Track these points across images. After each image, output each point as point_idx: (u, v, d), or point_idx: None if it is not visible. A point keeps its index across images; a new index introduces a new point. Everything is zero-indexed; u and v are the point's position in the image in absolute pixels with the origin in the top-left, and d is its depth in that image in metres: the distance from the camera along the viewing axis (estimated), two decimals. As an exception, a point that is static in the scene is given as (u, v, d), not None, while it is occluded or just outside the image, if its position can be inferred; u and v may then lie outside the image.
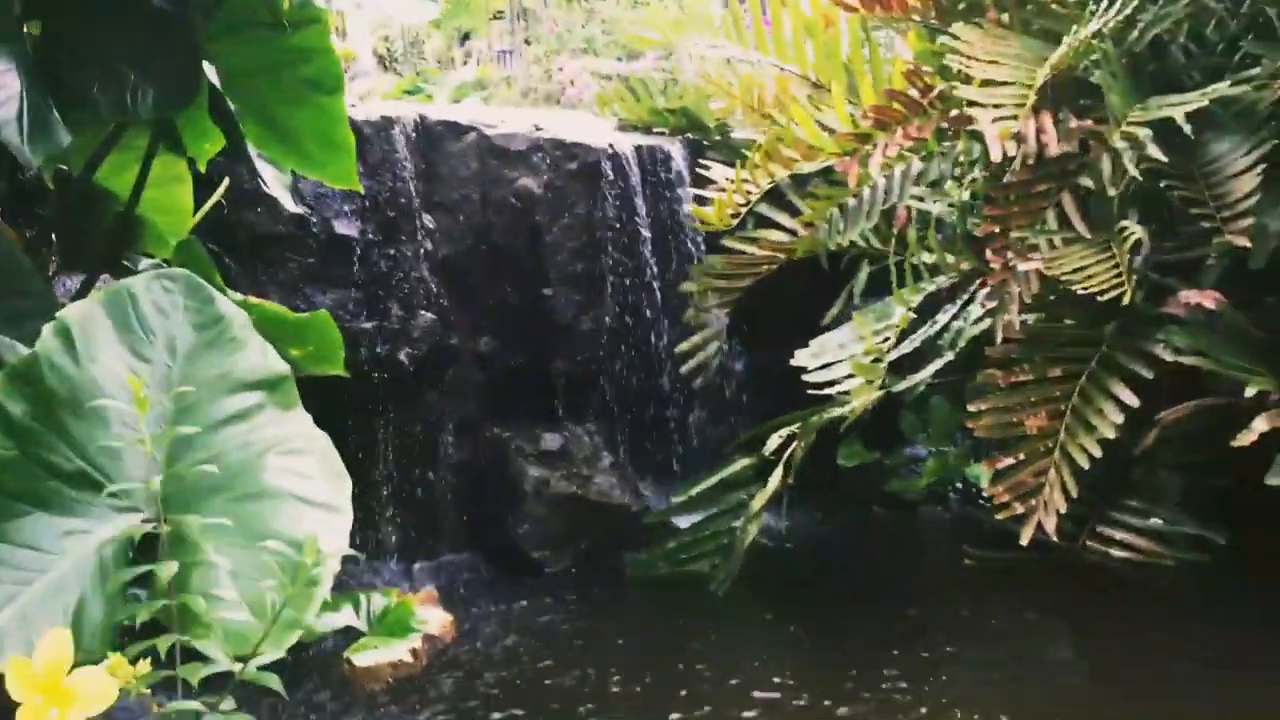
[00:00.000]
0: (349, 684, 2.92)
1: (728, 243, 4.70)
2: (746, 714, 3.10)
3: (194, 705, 1.46)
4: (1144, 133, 3.48)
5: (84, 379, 1.85)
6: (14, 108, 2.20)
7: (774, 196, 4.71)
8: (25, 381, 1.81)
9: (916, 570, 4.51)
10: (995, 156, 3.76)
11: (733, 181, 4.36)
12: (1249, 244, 3.50)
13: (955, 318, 4.48)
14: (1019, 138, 3.77)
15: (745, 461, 4.46)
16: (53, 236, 3.00)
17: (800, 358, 4.28)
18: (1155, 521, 4.04)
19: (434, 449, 4.66)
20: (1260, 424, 3.41)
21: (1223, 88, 3.60)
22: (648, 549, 4.49)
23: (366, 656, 2.96)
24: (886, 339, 4.11)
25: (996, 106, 3.76)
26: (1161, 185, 3.82)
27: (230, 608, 1.65)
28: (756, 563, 4.23)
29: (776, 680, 3.38)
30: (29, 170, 3.65)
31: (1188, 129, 3.49)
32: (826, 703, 3.16)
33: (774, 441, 4.30)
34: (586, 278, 4.88)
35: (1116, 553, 4.02)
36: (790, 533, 4.82)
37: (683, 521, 4.58)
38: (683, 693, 3.30)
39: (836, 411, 4.15)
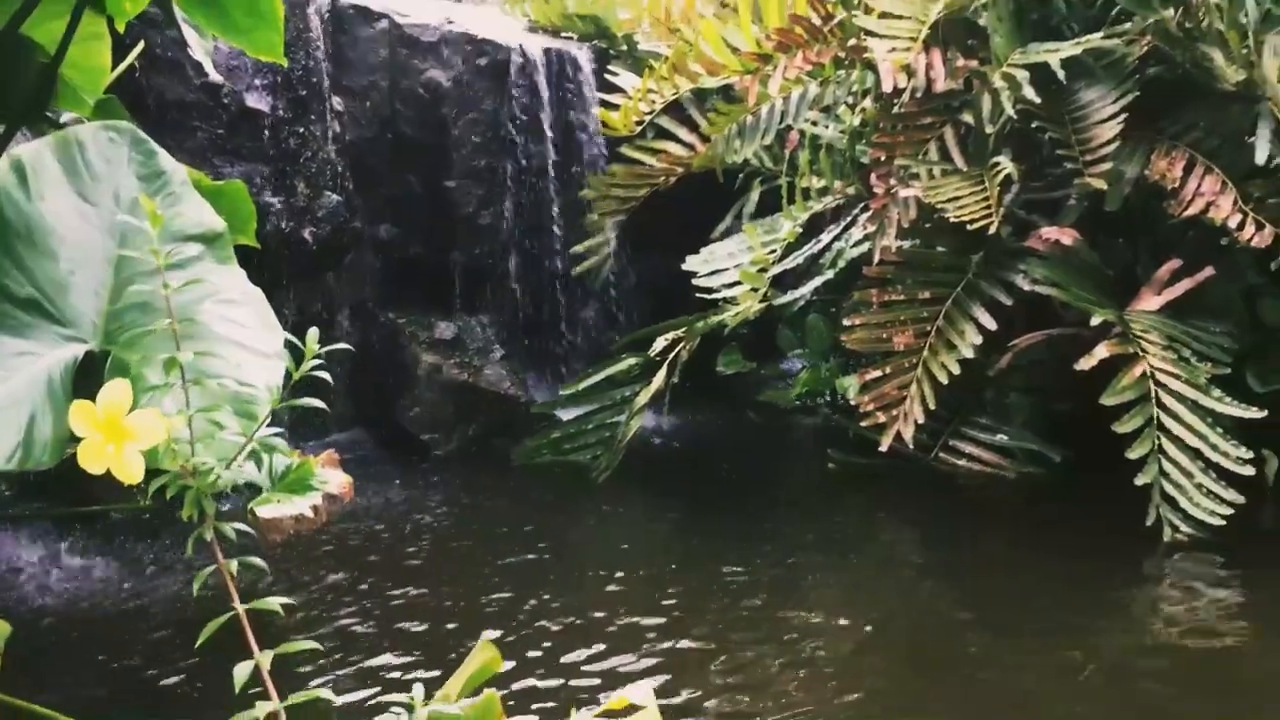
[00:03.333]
0: (252, 534, 3.08)
1: (628, 151, 4.88)
2: (608, 589, 3.32)
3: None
4: (1021, 75, 3.75)
5: (35, 214, 1.95)
6: (-45, -50, 2.23)
7: (675, 110, 4.89)
8: (-16, 211, 1.91)
9: (782, 471, 4.82)
10: (887, 87, 4.02)
11: (639, 90, 4.52)
12: (1105, 187, 3.81)
13: (837, 239, 4.75)
14: (909, 71, 4.02)
15: (631, 361, 4.69)
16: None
17: (691, 263, 4.51)
18: (1001, 438, 4.41)
19: (328, 330, 4.76)
20: (1101, 350, 3.76)
21: (1095, 39, 3.89)
22: (533, 438, 4.71)
23: (269, 510, 3.09)
24: (774, 251, 4.36)
25: (892, 38, 4.00)
26: (1033, 126, 4.11)
27: (176, 429, 1.79)
28: (635, 457, 4.47)
29: (641, 564, 3.62)
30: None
31: (1061, 75, 3.78)
32: (683, 584, 3.39)
33: (660, 343, 4.53)
34: (489, 173, 5.00)
35: (965, 464, 4.38)
36: (668, 432, 5.09)
37: (567, 414, 4.80)
38: (553, 563, 3.54)
39: (721, 317, 4.39)
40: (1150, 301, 4.00)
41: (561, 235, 5.23)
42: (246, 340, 2.02)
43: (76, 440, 1.73)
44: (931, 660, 2.87)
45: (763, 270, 4.27)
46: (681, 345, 4.50)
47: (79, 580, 3.27)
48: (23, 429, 1.74)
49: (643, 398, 4.43)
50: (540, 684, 2.64)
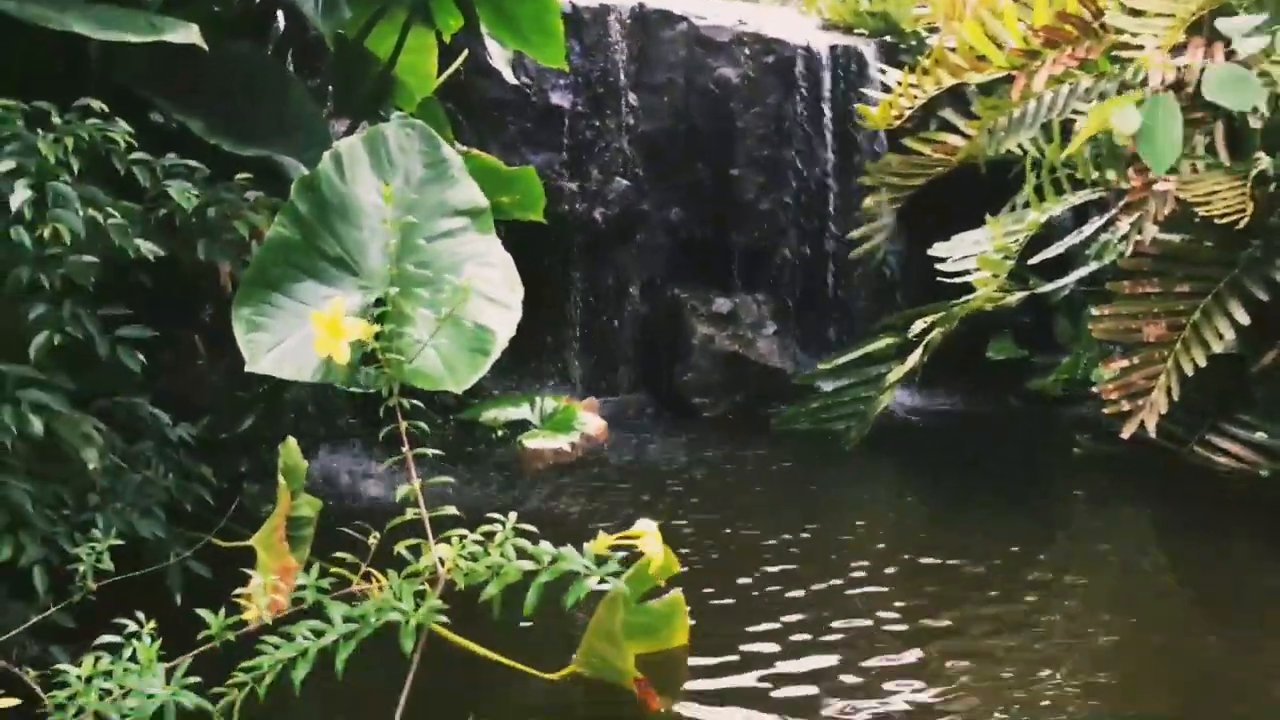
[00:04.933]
0: (519, 459, 3.72)
1: (907, 142, 5.13)
2: (832, 556, 3.54)
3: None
4: (1277, 70, 3.73)
5: (347, 193, 2.59)
6: (311, -12, 2.94)
7: (961, 103, 5.09)
8: (310, 189, 2.58)
9: (1029, 454, 4.93)
10: (1154, 83, 4.08)
11: (901, 85, 4.78)
12: (1366, 183, 3.73)
13: (1103, 229, 4.81)
14: (1183, 65, 4.06)
15: (889, 340, 4.98)
16: (329, 88, 3.79)
17: (938, 249, 4.73)
18: (1261, 435, 4.34)
19: (619, 301, 5.38)
20: (1350, 349, 3.70)
21: (1367, 33, 3.78)
22: (793, 406, 5.10)
23: (534, 442, 3.74)
24: (1016, 239, 4.51)
25: (1155, 35, 4.06)
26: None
27: (428, 356, 2.36)
28: (891, 433, 4.77)
29: (878, 529, 3.91)
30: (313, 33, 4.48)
31: (1318, 69, 3.72)
32: (917, 551, 3.64)
33: (918, 325, 4.79)
34: (771, 163, 5.43)
35: (1219, 459, 4.36)
36: (929, 412, 5.32)
37: (827, 386, 5.15)
38: (791, 520, 3.90)
39: (975, 301, 4.60)
40: None
41: (838, 221, 5.57)
42: (492, 294, 2.58)
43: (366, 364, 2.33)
44: (1166, 659, 2.89)
45: (1007, 258, 4.44)
46: (938, 329, 4.74)
47: (386, 489, 4.01)
48: (325, 351, 2.38)
49: (894, 375, 4.72)
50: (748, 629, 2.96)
